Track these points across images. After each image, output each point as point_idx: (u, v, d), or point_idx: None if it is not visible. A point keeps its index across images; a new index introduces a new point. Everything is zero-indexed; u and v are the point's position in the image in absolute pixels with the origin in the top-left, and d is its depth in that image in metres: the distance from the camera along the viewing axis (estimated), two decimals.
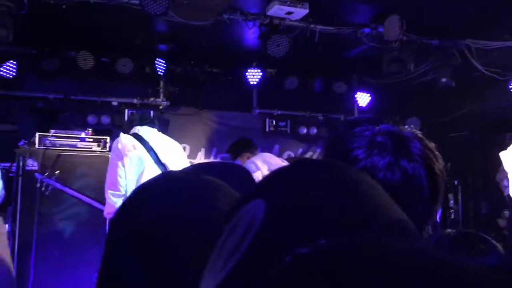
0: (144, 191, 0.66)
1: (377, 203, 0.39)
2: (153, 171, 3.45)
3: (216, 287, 0.36)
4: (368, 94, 6.88)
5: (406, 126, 1.02)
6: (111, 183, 3.52)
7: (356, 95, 6.91)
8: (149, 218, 0.60)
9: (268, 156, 4.53)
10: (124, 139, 3.56)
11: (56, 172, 4.30)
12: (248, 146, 4.66)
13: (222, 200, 0.59)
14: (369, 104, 6.93)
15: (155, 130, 3.71)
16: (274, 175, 0.44)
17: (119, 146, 3.52)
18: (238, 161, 4.61)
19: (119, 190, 3.49)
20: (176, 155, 3.66)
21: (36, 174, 4.22)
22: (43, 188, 4.21)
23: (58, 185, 4.14)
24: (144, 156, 3.49)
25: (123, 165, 3.47)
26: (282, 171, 0.44)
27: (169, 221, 0.59)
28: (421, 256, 0.29)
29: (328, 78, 6.71)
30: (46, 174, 4.20)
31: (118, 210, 0.66)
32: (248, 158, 4.52)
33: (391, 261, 0.28)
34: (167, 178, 0.70)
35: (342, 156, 0.93)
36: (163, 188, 0.64)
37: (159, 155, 3.53)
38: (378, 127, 0.98)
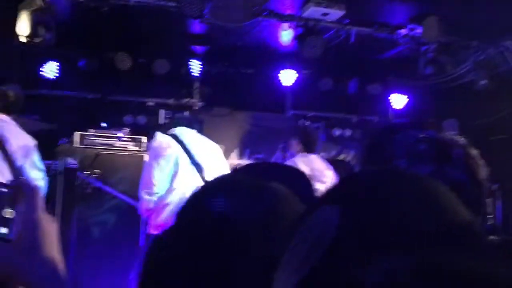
0: (208, 191, 0.66)
1: (456, 213, 0.39)
2: (187, 172, 3.47)
3: None
4: (405, 96, 6.76)
5: (448, 133, 1.01)
6: (145, 182, 3.55)
7: (391, 97, 6.81)
8: (207, 220, 0.60)
9: (313, 159, 4.38)
10: (160, 138, 3.58)
11: (96, 170, 4.40)
12: (311, 146, 4.37)
13: (284, 207, 0.59)
14: (405, 105, 6.82)
15: (193, 131, 3.68)
16: (349, 181, 0.44)
17: (155, 145, 3.56)
18: (292, 142, 4.52)
19: (152, 189, 3.51)
20: (213, 157, 3.63)
21: (78, 173, 4.33)
22: (84, 186, 4.31)
23: (98, 184, 4.24)
24: (179, 156, 3.49)
25: (158, 165, 3.49)
26: (356, 177, 0.45)
27: (228, 224, 0.59)
28: None
29: (363, 79, 6.65)
30: (87, 173, 4.31)
31: (181, 209, 0.67)
32: (298, 152, 4.40)
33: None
34: (228, 180, 0.70)
35: (383, 164, 0.93)
36: (226, 190, 0.64)
37: (194, 155, 3.51)
38: (420, 134, 0.97)
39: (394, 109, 6.88)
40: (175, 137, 3.58)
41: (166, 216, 3.44)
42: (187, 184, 3.44)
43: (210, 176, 3.49)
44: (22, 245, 0.71)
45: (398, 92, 6.78)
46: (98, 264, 4.50)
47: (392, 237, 0.36)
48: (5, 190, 0.73)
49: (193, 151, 3.53)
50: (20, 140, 3.84)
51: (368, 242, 0.36)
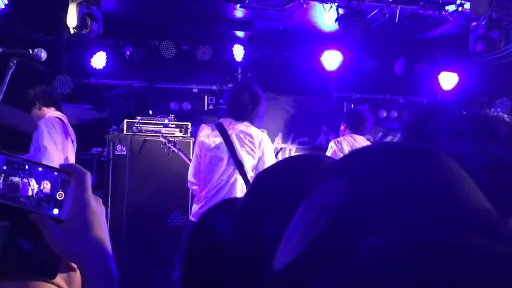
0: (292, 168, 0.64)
1: (462, 193, 0.37)
2: (227, 166, 3.42)
3: (288, 264, 0.37)
4: (455, 74, 6.51)
5: (492, 109, 0.97)
6: (190, 171, 3.62)
7: (439, 76, 6.58)
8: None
9: (358, 140, 4.34)
10: (203, 131, 3.53)
11: (176, 139, 4.65)
12: (358, 128, 4.45)
13: None
14: (455, 85, 6.58)
15: (243, 122, 3.51)
16: (357, 154, 0.43)
17: (198, 138, 3.55)
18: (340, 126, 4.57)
19: (193, 179, 3.57)
20: (254, 149, 3.47)
21: (161, 137, 4.59)
22: (165, 150, 4.53)
23: (176, 150, 4.48)
24: (221, 149, 3.43)
25: (198, 157, 3.51)
26: (364, 150, 0.43)
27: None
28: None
29: (409, 59, 6.45)
30: (169, 139, 4.54)
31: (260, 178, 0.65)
32: (345, 134, 4.45)
33: (471, 266, 0.27)
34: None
35: (424, 142, 0.90)
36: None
37: (237, 149, 3.42)
38: (462, 112, 0.94)
39: (444, 89, 6.65)
40: (220, 127, 3.49)
41: (203, 208, 3.44)
42: (226, 178, 3.41)
43: (250, 170, 3.45)
44: (73, 224, 0.75)
45: (448, 71, 6.54)
46: (149, 244, 4.67)
47: (390, 213, 0.34)
48: (56, 173, 0.78)
49: (236, 144, 3.42)
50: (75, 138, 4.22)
51: (366, 216, 0.35)
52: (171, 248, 4.42)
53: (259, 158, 3.48)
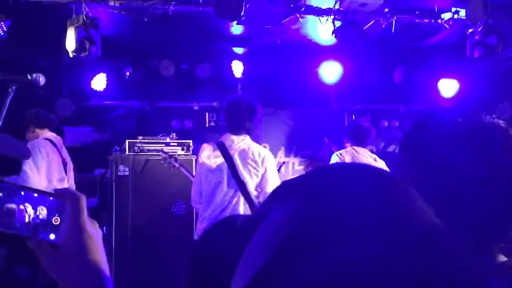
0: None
1: (411, 212, 0.38)
2: (229, 184, 3.37)
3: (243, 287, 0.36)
4: (456, 80, 6.52)
5: (488, 116, 0.97)
6: (193, 191, 3.57)
7: (439, 84, 6.59)
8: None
9: (361, 152, 4.34)
10: (204, 152, 3.48)
11: (178, 156, 4.62)
12: (360, 140, 4.43)
13: None
14: (455, 92, 6.58)
15: (244, 137, 3.45)
16: (306, 177, 0.43)
17: (199, 159, 3.50)
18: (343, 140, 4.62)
19: (197, 198, 3.52)
20: (257, 167, 3.41)
21: (162, 153, 4.55)
22: (166, 165, 4.50)
23: (177, 165, 4.44)
24: (222, 169, 3.37)
25: (199, 177, 3.47)
26: (313, 174, 0.43)
27: None
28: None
29: (408, 67, 6.47)
30: (169, 154, 4.53)
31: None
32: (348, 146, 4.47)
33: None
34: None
35: (420, 154, 0.90)
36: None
37: (238, 166, 3.36)
38: (457, 119, 0.94)
39: (444, 96, 6.66)
40: (221, 146, 3.42)
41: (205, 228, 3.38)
42: (229, 199, 3.35)
43: (253, 190, 3.39)
44: (69, 249, 0.75)
45: (447, 78, 6.55)
46: (154, 261, 4.65)
47: (336, 233, 0.35)
48: (51, 198, 0.77)
49: (238, 164, 3.36)
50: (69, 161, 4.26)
51: (319, 233, 0.35)
52: (178, 269, 4.39)
53: (262, 175, 3.42)
